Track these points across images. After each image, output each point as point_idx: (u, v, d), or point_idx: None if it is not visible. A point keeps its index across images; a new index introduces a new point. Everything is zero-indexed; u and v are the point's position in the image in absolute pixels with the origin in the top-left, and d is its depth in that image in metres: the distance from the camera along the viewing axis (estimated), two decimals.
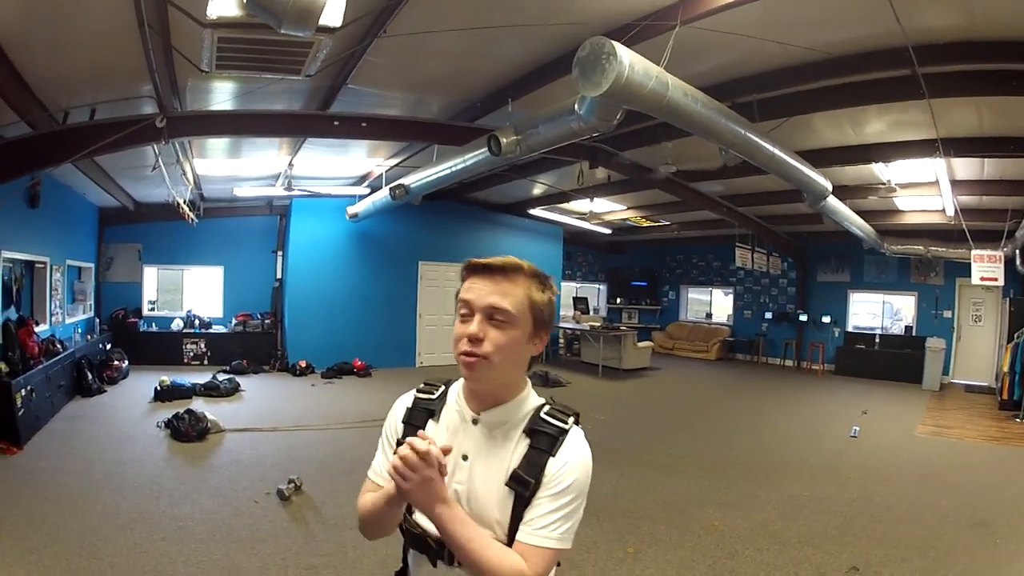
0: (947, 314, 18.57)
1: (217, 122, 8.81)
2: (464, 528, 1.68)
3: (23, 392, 8.51)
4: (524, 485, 1.74)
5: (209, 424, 9.23)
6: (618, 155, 11.63)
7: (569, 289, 23.85)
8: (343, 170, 13.94)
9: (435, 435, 1.86)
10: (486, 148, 8.31)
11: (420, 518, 1.84)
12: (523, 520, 1.74)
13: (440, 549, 1.77)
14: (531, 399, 1.89)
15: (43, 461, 7.72)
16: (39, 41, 6.29)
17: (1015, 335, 13.21)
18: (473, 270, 1.81)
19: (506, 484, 1.76)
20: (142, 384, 12.27)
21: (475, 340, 1.73)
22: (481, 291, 1.76)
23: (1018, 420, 12.34)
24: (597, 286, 26.07)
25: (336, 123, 9.00)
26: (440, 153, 10.66)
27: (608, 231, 21.59)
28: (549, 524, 1.73)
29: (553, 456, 1.77)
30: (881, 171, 11.66)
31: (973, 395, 15.99)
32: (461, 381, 1.95)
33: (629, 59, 5.19)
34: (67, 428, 9.33)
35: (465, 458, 1.82)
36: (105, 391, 11.89)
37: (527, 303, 1.79)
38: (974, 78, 7.28)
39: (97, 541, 5.55)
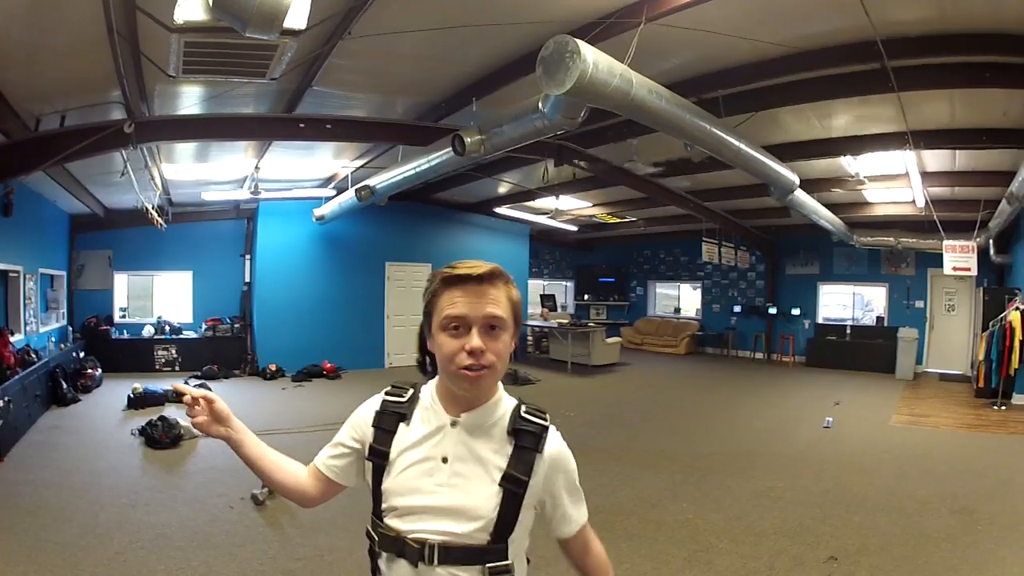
0: (919, 304, 18.76)
1: (184, 126, 8.79)
2: None
3: (1, 404, 8.39)
4: (517, 484, 1.78)
5: (182, 430, 9.18)
6: (583, 152, 11.68)
7: (536, 287, 23.99)
8: (309, 172, 13.96)
9: (407, 438, 1.89)
10: (451, 148, 8.35)
11: (394, 521, 1.84)
12: (563, 522, 1.96)
13: (422, 549, 1.77)
14: (505, 399, 1.92)
15: (22, 473, 7.65)
16: (12, 51, 6.25)
17: (990, 324, 13.34)
18: (456, 281, 1.78)
19: (499, 484, 1.78)
20: (116, 392, 12.19)
21: (477, 353, 1.72)
22: (474, 303, 1.75)
23: (995, 407, 12.47)
24: (564, 283, 26.26)
25: (301, 125, 9.01)
26: (405, 154, 10.68)
27: (575, 228, 21.79)
28: (580, 508, 1.98)
29: (540, 454, 1.83)
30: (850, 164, 11.76)
31: (947, 384, 16.15)
32: (433, 383, 1.95)
33: (593, 57, 5.22)
34: (44, 439, 9.24)
35: (445, 460, 1.82)
36: (80, 400, 11.79)
37: (510, 305, 1.81)
38: (945, 70, 7.35)
39: (77, 552, 5.52)
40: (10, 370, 9.51)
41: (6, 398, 8.63)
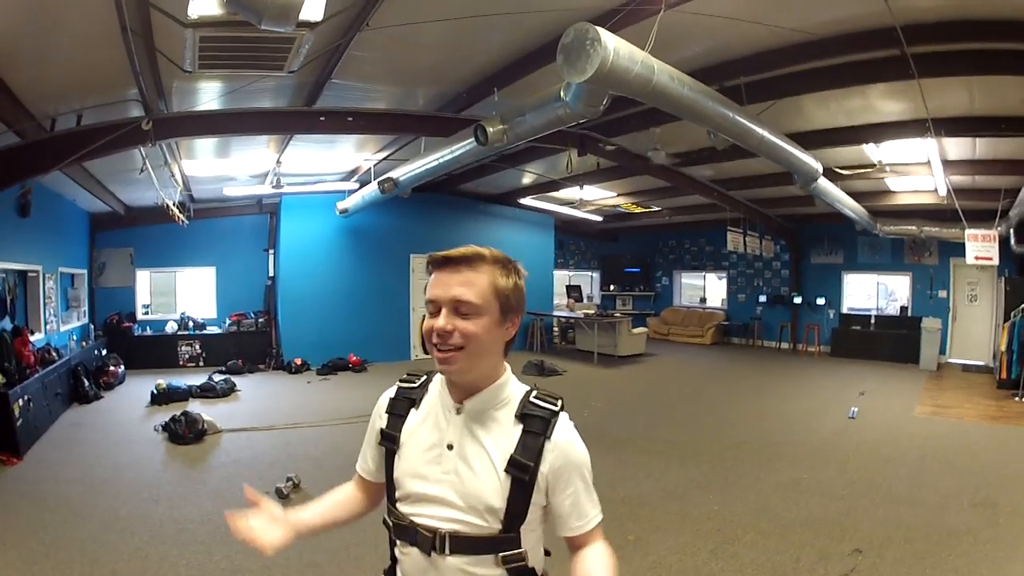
0: (942, 294, 18.54)
1: (203, 122, 8.79)
2: None
3: (20, 402, 8.44)
4: (523, 469, 1.76)
5: (206, 425, 9.22)
6: (607, 141, 11.61)
7: (562, 277, 23.90)
8: (331, 166, 13.92)
9: (416, 422, 1.92)
10: (473, 138, 8.30)
11: (406, 507, 1.86)
12: (569, 518, 1.85)
13: (433, 538, 1.78)
14: (511, 384, 1.91)
15: (43, 470, 7.68)
16: (25, 52, 6.27)
17: (1012, 314, 13.20)
18: (436, 264, 1.84)
19: (505, 470, 1.77)
20: (138, 388, 12.26)
21: (444, 334, 1.75)
22: (445, 285, 1.78)
23: (1017, 399, 12.34)
24: (590, 273, 26.14)
25: (322, 118, 9.00)
26: (427, 145, 10.64)
27: (599, 218, 21.72)
28: (591, 506, 1.87)
29: (548, 439, 1.80)
30: (872, 152, 11.65)
31: (970, 375, 16.02)
32: None
33: (614, 44, 5.16)
34: (66, 436, 9.29)
35: (451, 447, 1.83)
36: (102, 397, 11.86)
37: (491, 290, 1.80)
38: (965, 58, 7.23)
39: (98, 548, 5.54)
40: (30, 369, 9.59)
41: (26, 396, 8.69)
